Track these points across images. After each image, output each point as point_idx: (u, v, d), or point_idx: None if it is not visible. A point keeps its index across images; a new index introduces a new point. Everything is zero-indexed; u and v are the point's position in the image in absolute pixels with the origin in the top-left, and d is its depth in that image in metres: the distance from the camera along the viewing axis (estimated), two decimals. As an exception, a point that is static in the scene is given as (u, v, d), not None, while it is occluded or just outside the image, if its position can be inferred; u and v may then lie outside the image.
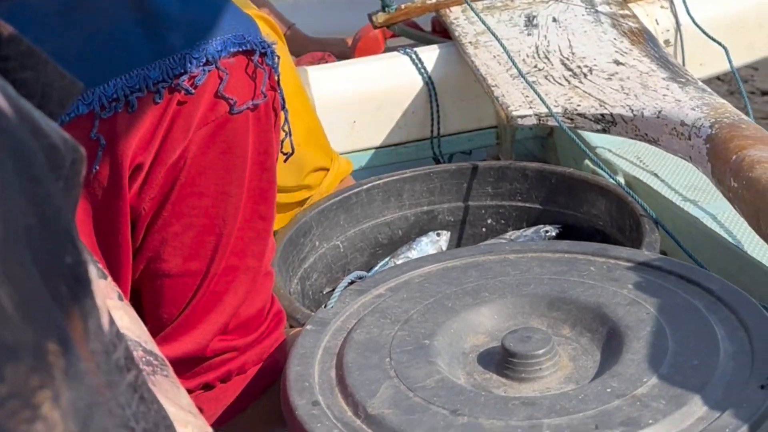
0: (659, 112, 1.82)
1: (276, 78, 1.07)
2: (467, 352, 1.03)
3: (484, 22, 2.18)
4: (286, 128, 1.13)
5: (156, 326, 1.07)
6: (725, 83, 4.14)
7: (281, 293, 1.53)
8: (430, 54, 2.48)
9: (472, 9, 2.28)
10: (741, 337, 0.99)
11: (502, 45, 2.12)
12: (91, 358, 0.32)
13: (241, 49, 1.02)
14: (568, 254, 1.18)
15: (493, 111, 2.47)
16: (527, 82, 1.93)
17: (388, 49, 2.83)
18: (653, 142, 1.82)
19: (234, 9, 1.06)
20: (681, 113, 1.77)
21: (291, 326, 1.51)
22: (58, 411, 0.28)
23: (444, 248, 1.88)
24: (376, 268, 1.84)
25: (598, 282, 1.10)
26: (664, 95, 1.88)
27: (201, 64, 1.00)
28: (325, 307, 1.10)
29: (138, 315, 1.07)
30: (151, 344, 0.63)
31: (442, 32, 2.68)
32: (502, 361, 0.98)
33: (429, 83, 2.45)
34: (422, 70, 2.45)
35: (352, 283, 1.15)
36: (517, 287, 1.11)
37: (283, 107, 1.10)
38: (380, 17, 2.59)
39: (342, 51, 2.90)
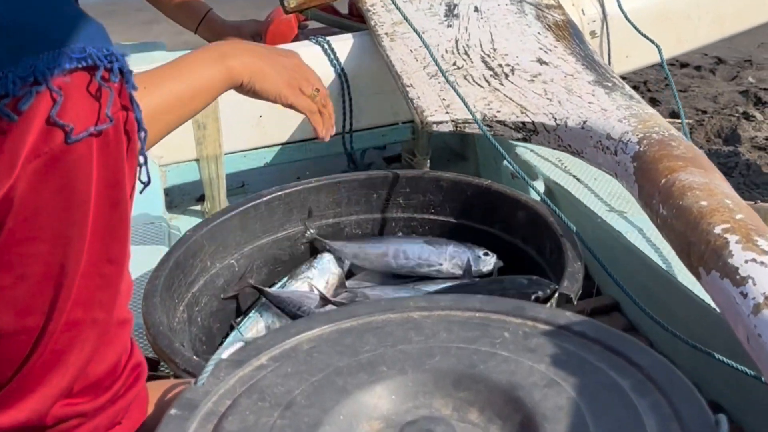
0: (584, 122, 1.68)
1: (128, 95, 0.90)
2: (359, 444, 0.88)
3: (402, 13, 2.01)
4: (144, 154, 0.96)
5: None
6: (642, 74, 4.04)
7: (160, 330, 1.37)
8: (343, 44, 2.31)
9: (389, -1, 2.11)
10: (673, 430, 0.86)
11: (423, 41, 1.96)
12: None
13: (80, 65, 0.85)
14: (480, 313, 1.04)
15: (409, 105, 2.32)
16: (453, 88, 1.77)
17: (302, 33, 2.65)
18: (577, 154, 1.69)
19: (75, 13, 0.88)
20: (607, 125, 1.64)
21: (174, 375, 1.35)
22: None
23: (347, 264, 1.73)
24: (276, 287, 1.68)
25: (512, 354, 0.96)
26: (590, 103, 1.74)
27: (28, 84, 0.82)
28: (195, 383, 0.94)
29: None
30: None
31: (360, 16, 2.51)
32: (397, 460, 0.84)
33: (342, 75, 2.28)
34: (335, 62, 2.28)
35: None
36: (419, 359, 0.96)
37: (141, 128, 0.93)
38: (292, 2, 2.40)
39: (257, 32, 2.71)
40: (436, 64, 1.87)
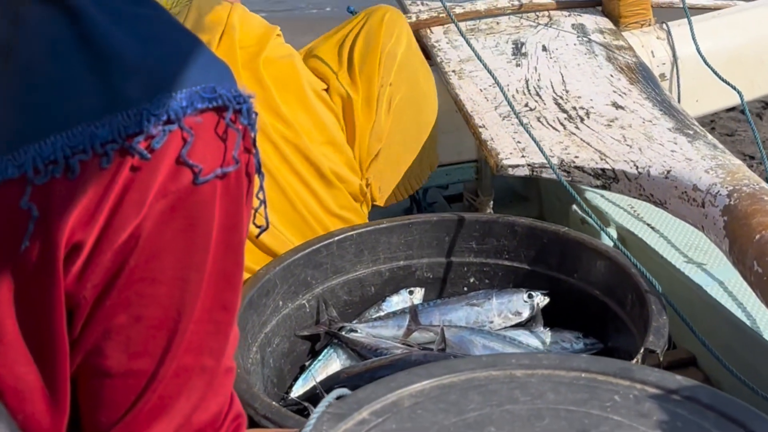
0: (668, 171, 1.63)
1: (252, 138, 0.89)
2: None
3: (479, 57, 1.98)
4: (260, 195, 0.94)
5: (92, 431, 0.89)
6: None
7: (237, 373, 1.33)
8: (408, 80, 2.28)
9: (462, 34, 2.08)
10: None
11: (496, 80, 1.93)
12: None
13: (211, 105, 0.84)
14: (585, 374, 1.00)
15: (473, 144, 2.28)
16: (528, 132, 1.73)
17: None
18: (660, 204, 1.64)
19: (206, 54, 0.88)
20: (693, 175, 1.59)
21: (251, 419, 1.31)
22: None
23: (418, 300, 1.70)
24: (347, 328, 1.64)
25: (625, 419, 0.92)
26: (672, 151, 1.70)
27: (161, 122, 0.81)
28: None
29: (74, 414, 0.89)
30: None
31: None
32: None
33: (407, 112, 2.25)
34: (400, 98, 2.24)
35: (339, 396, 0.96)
36: (528, 421, 0.92)
37: (259, 171, 0.91)
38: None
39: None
40: (510, 106, 1.83)
